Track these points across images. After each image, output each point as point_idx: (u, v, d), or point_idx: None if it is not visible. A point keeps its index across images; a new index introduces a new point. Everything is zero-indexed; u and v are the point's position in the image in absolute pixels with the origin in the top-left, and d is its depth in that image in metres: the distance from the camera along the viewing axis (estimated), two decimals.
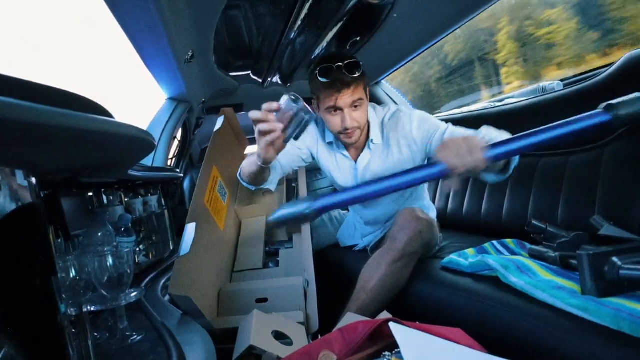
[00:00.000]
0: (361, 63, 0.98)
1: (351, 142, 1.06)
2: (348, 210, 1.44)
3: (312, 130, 1.19)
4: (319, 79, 0.96)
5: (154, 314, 0.69)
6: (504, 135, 0.85)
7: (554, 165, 1.09)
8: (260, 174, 0.96)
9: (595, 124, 0.66)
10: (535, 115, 1.16)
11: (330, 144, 1.15)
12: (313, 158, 1.21)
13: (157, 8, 0.77)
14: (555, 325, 0.63)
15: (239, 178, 1.08)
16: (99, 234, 0.73)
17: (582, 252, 0.64)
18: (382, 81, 1.95)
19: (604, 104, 0.66)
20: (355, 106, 0.99)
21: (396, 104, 1.96)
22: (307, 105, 0.71)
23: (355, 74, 0.95)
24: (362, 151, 1.11)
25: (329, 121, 1.03)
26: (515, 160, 0.83)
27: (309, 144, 1.19)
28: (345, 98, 0.97)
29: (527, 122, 1.18)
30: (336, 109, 0.99)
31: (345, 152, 1.14)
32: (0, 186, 0.33)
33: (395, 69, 1.73)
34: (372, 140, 1.09)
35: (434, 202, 1.53)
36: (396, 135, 1.07)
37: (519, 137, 0.69)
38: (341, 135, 1.04)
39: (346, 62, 0.95)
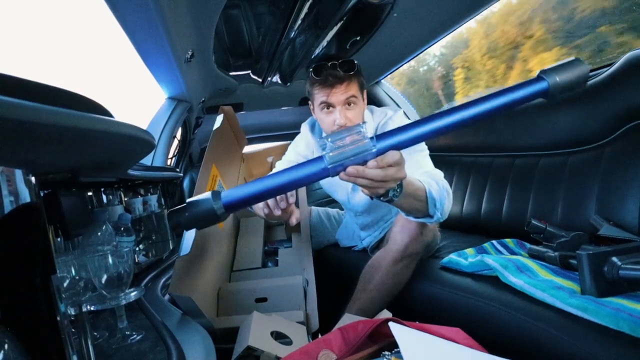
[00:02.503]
0: (357, 62, 0.97)
1: None
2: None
3: (307, 136, 1.20)
4: (313, 76, 0.97)
5: (153, 314, 0.68)
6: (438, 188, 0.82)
7: (554, 165, 1.09)
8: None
9: (532, 94, 0.54)
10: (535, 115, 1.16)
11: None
12: None
13: (157, 7, 0.76)
14: (554, 325, 0.63)
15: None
16: (99, 234, 0.73)
17: (582, 251, 0.65)
18: (382, 81, 1.95)
19: (539, 71, 0.55)
20: (349, 104, 0.98)
21: (396, 103, 1.96)
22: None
23: (348, 71, 0.95)
24: None
25: (322, 120, 1.02)
26: (438, 215, 0.82)
27: (303, 152, 1.20)
28: (338, 94, 0.96)
29: (527, 121, 1.19)
30: (329, 105, 0.98)
31: None
32: (0, 185, 0.33)
33: (395, 68, 1.73)
34: None
35: None
36: None
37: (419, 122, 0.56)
38: None
39: (340, 61, 0.95)
